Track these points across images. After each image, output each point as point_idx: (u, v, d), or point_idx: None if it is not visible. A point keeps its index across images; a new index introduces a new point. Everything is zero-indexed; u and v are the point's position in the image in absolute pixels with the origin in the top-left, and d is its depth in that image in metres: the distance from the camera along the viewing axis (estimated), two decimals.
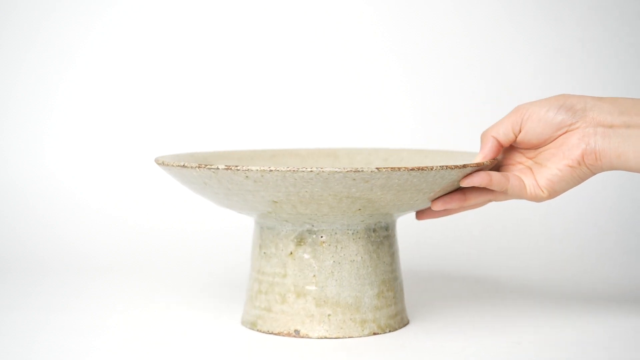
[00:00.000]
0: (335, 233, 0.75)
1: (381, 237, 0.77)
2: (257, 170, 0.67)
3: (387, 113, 1.29)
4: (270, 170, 0.66)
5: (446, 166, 0.69)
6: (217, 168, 0.68)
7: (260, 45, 1.30)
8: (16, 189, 1.24)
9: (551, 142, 0.75)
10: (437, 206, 0.75)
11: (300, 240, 0.75)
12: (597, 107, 0.73)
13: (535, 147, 0.76)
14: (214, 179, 0.70)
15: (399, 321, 0.78)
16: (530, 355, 0.70)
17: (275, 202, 0.70)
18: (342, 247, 0.75)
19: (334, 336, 0.75)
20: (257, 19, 1.30)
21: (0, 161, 1.27)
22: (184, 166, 0.71)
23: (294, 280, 0.75)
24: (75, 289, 0.94)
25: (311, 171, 0.66)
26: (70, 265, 1.06)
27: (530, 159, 0.77)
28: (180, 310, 0.85)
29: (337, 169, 0.66)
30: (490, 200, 0.77)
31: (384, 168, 0.67)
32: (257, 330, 0.77)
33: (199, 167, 0.69)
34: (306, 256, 0.75)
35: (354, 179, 0.67)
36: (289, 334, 0.75)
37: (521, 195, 0.75)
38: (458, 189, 0.75)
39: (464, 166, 0.70)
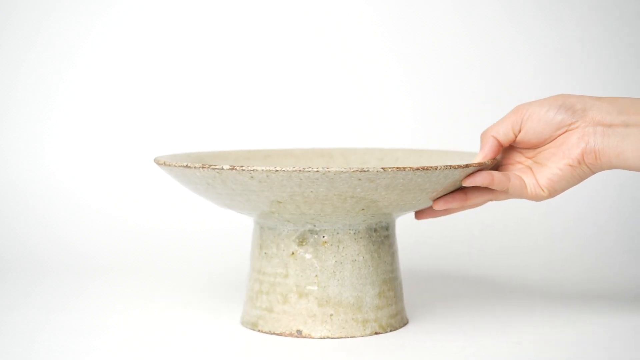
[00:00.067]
0: (337, 233, 0.75)
1: (382, 236, 0.77)
2: (262, 170, 0.67)
3: (387, 113, 1.29)
4: (276, 171, 0.66)
5: (450, 166, 0.69)
6: (222, 168, 0.68)
7: (260, 46, 1.30)
8: (16, 189, 1.24)
9: (551, 141, 0.75)
10: (439, 206, 0.75)
11: (302, 240, 0.75)
12: (596, 107, 0.73)
13: (535, 146, 0.76)
14: (218, 179, 0.69)
15: (399, 320, 0.78)
16: (530, 355, 0.70)
17: (280, 202, 0.70)
18: (343, 247, 0.75)
19: (336, 336, 0.75)
20: (257, 19, 1.30)
21: (0, 161, 1.27)
22: (187, 166, 0.70)
23: (295, 280, 0.75)
24: (75, 289, 0.94)
25: (317, 171, 0.66)
26: (70, 265, 1.06)
27: (529, 158, 0.77)
28: (180, 310, 0.85)
29: (343, 169, 0.66)
30: (490, 200, 0.77)
31: (390, 168, 0.67)
32: (258, 331, 0.77)
33: (202, 167, 0.69)
34: (308, 256, 0.75)
35: (360, 179, 0.67)
36: (291, 334, 0.75)
37: (522, 194, 0.76)
38: (459, 188, 0.75)
39: (467, 166, 0.71)
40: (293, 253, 0.75)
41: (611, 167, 0.74)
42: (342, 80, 1.30)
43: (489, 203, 0.81)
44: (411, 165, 0.68)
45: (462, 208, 0.78)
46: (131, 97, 1.29)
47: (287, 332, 0.75)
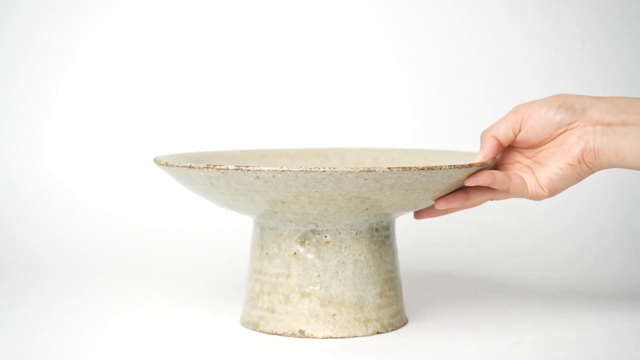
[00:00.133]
0: (339, 233, 0.75)
1: (383, 236, 0.77)
2: (269, 170, 0.66)
3: (387, 113, 1.29)
4: (283, 171, 0.66)
5: (454, 165, 0.69)
6: (227, 169, 0.68)
7: (259, 46, 1.30)
8: (16, 189, 1.24)
9: (550, 141, 0.75)
10: (441, 205, 0.75)
11: (304, 241, 0.75)
12: (595, 106, 0.74)
13: (535, 146, 0.76)
14: (222, 179, 0.69)
15: (399, 320, 0.78)
16: (530, 355, 0.70)
17: (284, 202, 0.70)
18: (345, 247, 0.75)
19: (339, 336, 0.75)
20: (257, 19, 1.30)
21: (0, 161, 1.27)
22: (190, 167, 0.70)
23: (298, 280, 0.75)
24: (75, 289, 0.94)
25: (324, 171, 0.66)
26: (70, 265, 1.06)
27: (528, 158, 0.77)
28: (180, 310, 0.85)
29: (349, 169, 0.66)
30: (490, 199, 0.77)
31: (396, 168, 0.67)
32: (260, 331, 0.76)
33: (207, 167, 0.69)
34: (310, 256, 0.75)
35: (366, 179, 0.67)
36: (293, 335, 0.75)
37: (522, 194, 0.76)
38: (460, 188, 0.76)
39: (470, 165, 0.71)
40: (295, 253, 0.75)
41: (610, 166, 0.74)
42: (341, 80, 1.30)
43: (489, 203, 0.81)
44: (416, 165, 0.68)
45: (463, 207, 0.78)
46: (131, 97, 1.29)
47: (290, 333, 0.75)
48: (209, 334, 0.76)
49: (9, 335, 0.76)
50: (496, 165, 0.79)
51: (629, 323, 0.80)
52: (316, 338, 0.74)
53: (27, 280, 0.98)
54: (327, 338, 0.74)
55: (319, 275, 0.75)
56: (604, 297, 0.90)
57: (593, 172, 0.75)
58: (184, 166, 0.71)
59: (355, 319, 0.75)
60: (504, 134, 0.76)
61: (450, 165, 0.69)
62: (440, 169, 0.69)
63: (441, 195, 0.74)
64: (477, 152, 0.83)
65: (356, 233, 0.75)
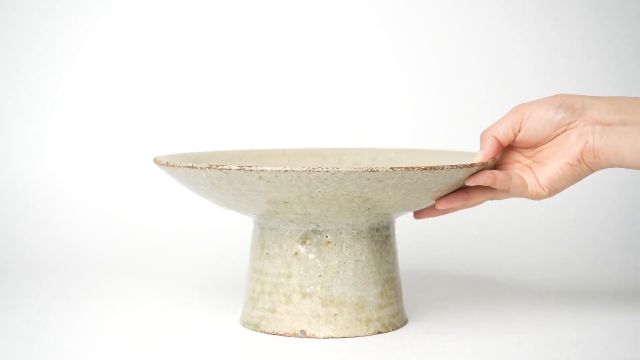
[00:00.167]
0: (340, 233, 0.75)
1: (383, 236, 0.77)
2: (272, 170, 0.66)
3: (387, 113, 1.29)
4: (286, 171, 0.66)
5: (456, 165, 0.70)
6: (230, 169, 0.68)
7: (259, 46, 1.30)
8: (16, 189, 1.24)
9: (550, 140, 0.76)
10: (442, 205, 0.75)
11: (305, 241, 0.75)
12: (595, 106, 0.74)
13: (534, 146, 0.76)
14: (225, 179, 0.69)
15: (400, 319, 0.79)
16: (530, 355, 0.70)
17: (286, 202, 0.70)
18: (346, 247, 0.75)
19: (340, 336, 0.75)
20: (257, 19, 1.30)
21: (0, 161, 1.27)
22: (192, 167, 0.70)
23: (299, 280, 0.75)
24: (75, 289, 0.94)
25: (327, 171, 0.66)
26: (70, 265, 1.06)
27: (528, 157, 0.77)
28: (180, 310, 0.85)
29: (352, 169, 0.66)
30: (490, 199, 0.78)
31: (398, 167, 0.67)
32: (261, 332, 0.76)
33: (209, 168, 0.69)
34: (311, 256, 0.75)
35: (369, 179, 0.67)
36: (295, 335, 0.75)
37: (522, 193, 0.76)
38: (460, 187, 0.76)
39: (472, 165, 0.71)
40: (296, 253, 0.75)
41: (610, 165, 0.74)
42: (341, 80, 1.30)
43: (489, 203, 0.82)
44: (419, 165, 0.68)
45: (463, 207, 0.78)
46: (131, 97, 1.29)
47: (291, 333, 0.75)
48: (209, 334, 0.76)
49: (9, 335, 0.76)
50: (496, 165, 0.79)
51: (629, 323, 0.80)
52: (317, 338, 0.74)
53: (27, 280, 0.98)
54: (328, 338, 0.74)
55: (320, 275, 0.75)
56: (604, 297, 0.90)
57: (592, 171, 0.75)
58: (186, 166, 0.71)
59: (356, 318, 0.75)
60: (504, 134, 0.76)
61: (452, 165, 0.69)
62: (443, 168, 0.69)
63: (442, 195, 0.74)
64: (477, 152, 0.83)
65: (357, 233, 0.75)
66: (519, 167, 0.77)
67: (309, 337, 0.75)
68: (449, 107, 1.29)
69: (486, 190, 0.77)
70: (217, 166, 0.68)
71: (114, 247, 1.14)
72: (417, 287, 0.95)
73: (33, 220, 1.19)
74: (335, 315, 0.75)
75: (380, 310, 0.76)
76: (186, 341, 0.74)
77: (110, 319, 0.82)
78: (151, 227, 1.19)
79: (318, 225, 0.74)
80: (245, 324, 0.78)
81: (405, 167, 0.67)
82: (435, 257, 1.12)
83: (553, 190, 0.76)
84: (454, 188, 0.75)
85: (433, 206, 0.78)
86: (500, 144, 0.76)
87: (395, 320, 0.78)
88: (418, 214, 0.79)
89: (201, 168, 0.69)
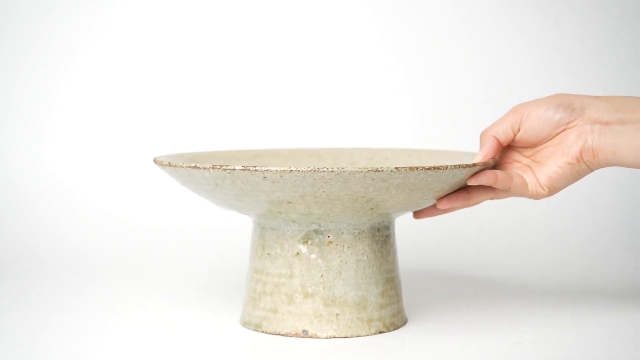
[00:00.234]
0: (342, 233, 0.75)
1: (384, 236, 0.77)
2: (276, 170, 0.66)
3: (387, 113, 1.29)
4: (291, 171, 0.66)
5: (459, 165, 0.70)
6: (234, 169, 0.68)
7: (259, 46, 1.30)
8: (16, 189, 1.24)
9: (549, 140, 0.76)
10: (443, 205, 0.76)
11: (306, 241, 0.75)
12: (593, 105, 0.74)
13: (533, 145, 0.76)
14: (228, 179, 0.69)
15: (400, 319, 0.79)
16: (530, 355, 0.70)
17: (290, 202, 0.70)
18: (348, 247, 0.75)
19: (342, 335, 0.75)
20: (257, 19, 1.30)
21: (0, 161, 1.27)
22: (195, 167, 0.70)
23: (301, 280, 0.75)
24: (75, 289, 0.94)
25: (332, 171, 0.66)
26: (70, 265, 1.06)
27: (527, 157, 0.77)
28: (180, 310, 0.85)
29: (358, 169, 0.66)
30: (491, 198, 0.78)
31: (403, 167, 0.67)
32: (262, 332, 0.76)
33: (213, 168, 0.69)
34: (313, 256, 0.75)
35: (373, 179, 0.67)
36: (296, 335, 0.75)
37: (523, 193, 0.76)
38: (461, 187, 0.76)
39: (474, 165, 0.71)
40: (298, 253, 0.75)
41: (608, 164, 0.74)
42: (341, 80, 1.30)
43: (489, 202, 0.82)
44: (423, 165, 0.69)
45: (464, 206, 0.78)
46: (131, 97, 1.29)
47: (293, 333, 0.75)
48: (209, 334, 0.76)
49: (9, 335, 0.76)
50: (495, 164, 0.79)
51: (629, 323, 0.80)
52: (320, 338, 0.74)
53: (27, 280, 0.98)
54: (330, 338, 0.74)
55: (322, 275, 0.75)
56: (603, 296, 0.90)
57: (592, 170, 0.75)
58: (189, 166, 0.70)
59: (358, 318, 0.75)
60: (504, 134, 0.76)
61: (456, 165, 0.70)
62: (446, 168, 0.69)
63: (443, 194, 0.75)
64: (476, 152, 0.83)
65: (358, 233, 0.75)
66: (519, 166, 0.78)
67: (311, 337, 0.75)
68: (449, 107, 1.29)
69: (487, 189, 0.77)
70: (222, 166, 0.68)
71: (114, 247, 1.14)
72: (417, 287, 0.95)
73: (33, 220, 1.19)
74: (337, 315, 0.75)
75: (381, 309, 0.76)
76: (186, 341, 0.74)
77: (110, 319, 0.82)
78: (151, 227, 1.19)
79: (320, 225, 0.74)
80: (245, 324, 0.78)
81: (410, 167, 0.67)
82: (435, 257, 1.12)
83: (553, 190, 0.76)
84: (456, 188, 0.75)
85: (433, 206, 0.78)
86: (500, 143, 0.76)
87: (396, 320, 0.78)
88: (418, 214, 0.79)
89: (204, 168, 0.69)
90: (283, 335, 0.75)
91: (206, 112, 1.29)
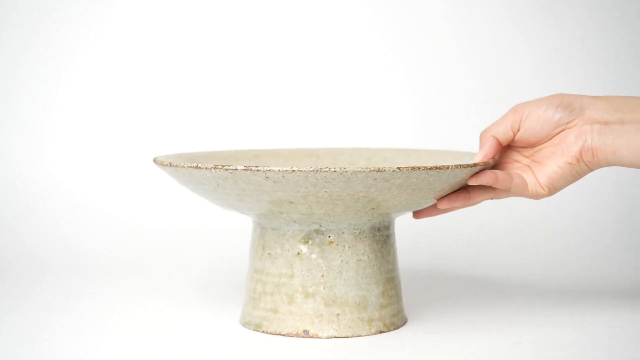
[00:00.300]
0: (343, 233, 0.75)
1: (384, 236, 0.77)
2: (279, 170, 0.66)
3: (387, 113, 1.29)
4: (293, 171, 0.66)
5: (460, 165, 0.70)
6: (236, 169, 0.68)
7: (259, 46, 1.30)
8: (16, 189, 1.24)
9: (548, 140, 0.76)
10: (443, 205, 0.76)
11: (307, 241, 0.75)
12: (593, 105, 0.74)
13: (533, 145, 0.76)
14: (230, 179, 0.69)
15: (400, 319, 0.79)
16: (530, 355, 0.70)
17: (291, 202, 0.70)
18: (349, 247, 0.75)
19: (343, 335, 0.75)
20: (257, 19, 1.30)
21: (0, 161, 1.27)
22: (197, 167, 0.70)
23: (301, 280, 0.75)
24: (75, 289, 0.94)
25: (334, 171, 0.66)
26: (70, 265, 1.06)
27: (527, 157, 0.77)
28: (180, 310, 0.85)
29: (360, 169, 0.66)
30: (491, 198, 0.78)
31: (405, 167, 0.67)
32: (263, 332, 0.76)
33: (215, 168, 0.69)
34: (314, 256, 0.75)
35: (376, 179, 0.67)
36: (297, 335, 0.75)
37: (523, 193, 0.76)
38: (462, 187, 0.76)
39: (475, 165, 0.71)
40: (298, 253, 0.75)
41: (608, 164, 0.74)
42: (341, 80, 1.30)
43: (488, 202, 0.82)
44: (425, 165, 0.69)
45: (464, 206, 0.78)
46: (130, 97, 1.29)
47: (294, 333, 0.75)
48: (209, 334, 0.76)
49: (9, 335, 0.76)
50: (495, 164, 0.79)
51: (629, 323, 0.80)
52: (320, 338, 0.74)
53: (27, 280, 0.98)
54: (331, 338, 0.74)
55: (322, 275, 0.75)
56: (603, 296, 0.90)
57: (591, 170, 0.75)
58: (190, 167, 0.70)
59: (358, 318, 0.75)
60: (503, 134, 0.76)
61: (457, 165, 0.70)
62: (448, 168, 0.69)
63: (443, 194, 0.75)
64: (476, 152, 0.83)
65: (359, 233, 0.76)
66: (519, 166, 0.78)
67: (312, 337, 0.75)
68: (449, 107, 1.29)
69: (487, 189, 0.77)
70: (223, 166, 0.68)
71: (114, 247, 1.14)
72: (417, 287, 0.95)
73: (33, 220, 1.19)
74: (338, 315, 0.75)
75: (381, 309, 0.76)
76: (186, 341, 0.74)
77: (110, 319, 0.82)
78: (151, 227, 1.19)
79: (320, 225, 0.74)
80: (245, 324, 0.78)
81: (412, 167, 0.68)
82: (435, 257, 1.12)
83: (552, 190, 0.76)
84: (456, 188, 0.75)
85: (432, 206, 0.78)
86: (499, 143, 0.76)
87: (396, 319, 0.78)
88: (417, 214, 0.79)
89: (206, 168, 0.69)
90: (284, 335, 0.75)
91: (205, 112, 1.29)
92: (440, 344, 0.73)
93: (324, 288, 0.75)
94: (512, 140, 0.77)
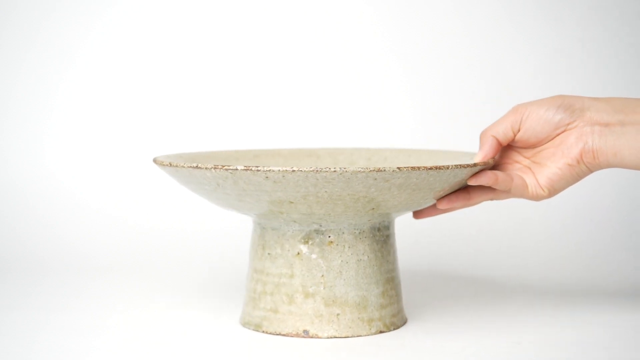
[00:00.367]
0: (343, 233, 0.75)
1: (384, 236, 0.77)
2: (279, 170, 0.66)
3: (387, 113, 1.29)
4: (293, 171, 0.66)
5: (460, 165, 0.70)
6: (236, 169, 0.68)
7: (259, 45, 1.30)
8: (16, 189, 1.24)
9: (549, 141, 0.76)
10: (443, 205, 0.76)
11: (307, 241, 0.75)
12: (594, 107, 0.74)
13: (533, 146, 0.76)
14: (230, 179, 0.69)
15: (400, 319, 0.79)
16: (530, 355, 0.70)
17: (292, 202, 0.70)
18: (349, 247, 0.75)
19: (343, 335, 0.75)
20: (257, 19, 1.30)
21: (0, 161, 1.27)
22: (197, 167, 0.70)
23: (301, 280, 0.75)
24: (75, 289, 0.94)
25: (335, 171, 0.66)
26: (70, 265, 1.06)
27: (527, 158, 0.77)
28: (180, 310, 0.85)
29: (360, 169, 0.66)
30: (491, 199, 0.78)
31: (405, 167, 0.67)
32: (263, 332, 0.76)
33: (214, 168, 0.69)
34: (314, 256, 0.75)
35: (376, 179, 0.67)
36: (297, 335, 0.75)
37: (523, 194, 0.76)
38: (462, 187, 0.76)
39: (475, 165, 0.71)
40: (298, 253, 0.75)
41: (609, 165, 0.74)
42: (341, 80, 1.30)
43: (488, 203, 0.82)
44: (425, 165, 0.69)
45: (464, 207, 0.78)
46: (130, 97, 1.29)
47: (294, 333, 0.75)
48: (209, 334, 0.76)
49: (9, 335, 0.76)
50: (495, 165, 0.79)
51: (629, 323, 0.80)
52: (320, 338, 0.74)
53: (27, 280, 0.98)
54: (331, 338, 0.75)
55: (322, 275, 0.75)
56: (603, 296, 0.90)
57: (592, 172, 0.75)
58: (190, 167, 0.70)
59: (359, 318, 0.75)
60: (504, 134, 0.76)
61: (457, 165, 0.70)
62: (448, 168, 0.69)
63: (443, 194, 0.75)
64: (476, 152, 0.83)
65: (359, 233, 0.76)
66: (519, 167, 0.78)
67: (312, 337, 0.75)
68: (449, 107, 1.29)
69: (487, 190, 0.77)
70: (223, 166, 0.68)
71: (114, 247, 1.14)
72: (417, 287, 0.95)
73: (33, 220, 1.19)
74: (338, 315, 0.75)
75: (381, 309, 0.76)
76: (186, 341, 0.74)
77: (110, 319, 0.82)
78: (151, 227, 1.19)
79: (320, 225, 0.74)
80: (245, 324, 0.78)
81: (412, 167, 0.68)
82: (435, 257, 1.12)
83: (553, 191, 0.76)
84: (456, 188, 0.75)
85: (432, 206, 0.78)
86: (499, 143, 0.76)
87: (396, 319, 0.78)
88: (418, 214, 0.79)
89: (206, 168, 0.69)
90: (284, 335, 0.75)
91: (205, 112, 1.29)
92: (440, 344, 0.73)
93: (324, 288, 0.75)
94: (512, 140, 0.77)
